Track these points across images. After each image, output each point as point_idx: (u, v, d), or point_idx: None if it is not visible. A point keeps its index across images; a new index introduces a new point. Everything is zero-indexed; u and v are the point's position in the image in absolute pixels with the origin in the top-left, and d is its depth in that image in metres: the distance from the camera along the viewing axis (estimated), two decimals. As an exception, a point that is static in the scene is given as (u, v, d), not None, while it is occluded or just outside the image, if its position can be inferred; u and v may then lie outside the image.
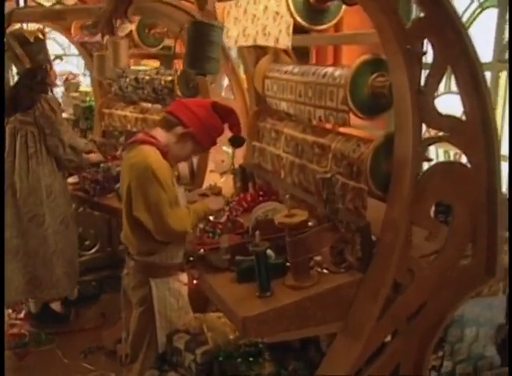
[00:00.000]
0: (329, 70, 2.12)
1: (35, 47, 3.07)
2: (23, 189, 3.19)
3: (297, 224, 1.79)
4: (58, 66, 4.49)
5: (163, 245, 2.11)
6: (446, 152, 2.88)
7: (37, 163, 3.14)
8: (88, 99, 4.72)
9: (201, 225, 2.18)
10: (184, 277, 2.19)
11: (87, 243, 4.34)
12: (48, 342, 3.24)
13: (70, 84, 4.98)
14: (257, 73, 2.65)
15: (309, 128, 2.36)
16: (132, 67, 3.98)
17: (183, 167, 3.41)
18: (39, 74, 3.07)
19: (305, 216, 1.82)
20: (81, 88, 4.92)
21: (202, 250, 2.05)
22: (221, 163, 3.41)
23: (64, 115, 5.02)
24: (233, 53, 3.39)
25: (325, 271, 1.91)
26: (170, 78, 3.50)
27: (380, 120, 2.03)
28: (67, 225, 3.35)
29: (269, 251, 1.94)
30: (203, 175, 3.36)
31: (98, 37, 3.20)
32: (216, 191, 2.63)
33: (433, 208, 2.09)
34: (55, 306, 3.53)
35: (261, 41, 2.01)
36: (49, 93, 3.21)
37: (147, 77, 3.68)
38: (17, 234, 3.18)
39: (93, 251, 4.25)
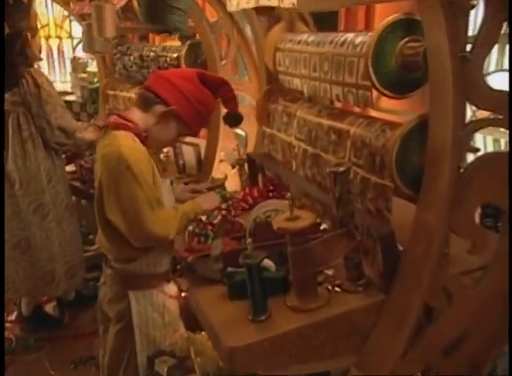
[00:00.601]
0: (350, 36, 1.74)
1: (15, 10, 2.76)
2: (23, 178, 2.93)
3: (301, 229, 1.44)
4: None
5: (143, 252, 1.79)
6: (497, 141, 2.44)
7: (33, 146, 2.87)
8: (95, 80, 4.44)
9: (190, 227, 1.85)
10: (171, 289, 1.86)
11: (91, 237, 4.08)
12: (37, 349, 2.99)
13: (78, 64, 4.70)
14: (267, 44, 2.28)
15: (325, 110, 1.99)
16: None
17: (189, 154, 3.08)
18: (17, 42, 2.76)
19: (311, 219, 1.46)
20: (89, 69, 4.63)
21: (190, 257, 1.72)
22: (233, 151, 3.06)
23: (72, 98, 4.79)
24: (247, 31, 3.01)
25: (337, 289, 1.56)
26: (175, 55, 3.16)
27: (412, 100, 1.65)
28: (71, 212, 3.10)
29: (268, 262, 1.59)
30: (212, 165, 3.04)
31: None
32: (216, 185, 2.29)
33: (478, 211, 1.71)
34: (49, 308, 3.27)
35: (263, 2, 1.66)
36: (33, 66, 2.90)
37: (152, 54, 3.36)
38: (23, 227, 2.93)
39: (96, 246, 3.98)
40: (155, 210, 1.71)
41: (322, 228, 1.76)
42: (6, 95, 2.89)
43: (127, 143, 1.73)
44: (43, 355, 2.96)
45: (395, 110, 2.33)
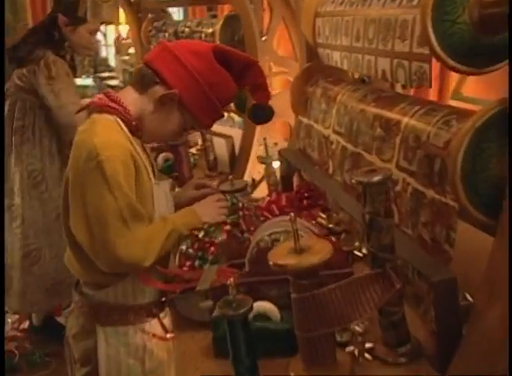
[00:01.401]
0: (405, -13, 1.25)
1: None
2: (49, 179, 2.59)
3: (308, 268, 0.98)
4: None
5: (118, 276, 1.39)
6: None
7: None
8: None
9: (184, 246, 1.43)
10: (155, 327, 1.45)
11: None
12: (42, 367, 2.69)
13: (121, 45, 4.41)
14: (305, 9, 1.82)
15: (373, 94, 1.51)
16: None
17: (221, 148, 2.67)
18: (59, 24, 2.41)
19: (325, 254, 1.00)
20: (131, 50, 4.32)
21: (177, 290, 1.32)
22: (274, 146, 2.60)
23: (114, 82, 4.51)
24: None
25: (367, 356, 1.09)
26: (210, 31, 2.76)
27: (492, 77, 1.14)
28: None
29: (270, 307, 1.15)
30: (247, 161, 2.61)
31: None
32: (235, 189, 1.86)
33: None
34: (61, 319, 2.98)
35: None
36: (61, 56, 2.54)
37: (187, 30, 2.99)
38: (40, 235, 2.63)
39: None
40: (129, 225, 1.30)
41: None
42: (14, 76, 2.58)
43: (105, 133, 1.34)
44: (48, 373, 2.67)
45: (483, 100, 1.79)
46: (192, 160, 2.73)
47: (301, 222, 1.28)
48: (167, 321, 1.46)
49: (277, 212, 1.79)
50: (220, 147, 2.66)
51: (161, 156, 2.66)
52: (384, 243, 1.02)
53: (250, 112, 1.58)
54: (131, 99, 1.45)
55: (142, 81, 1.44)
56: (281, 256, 1.01)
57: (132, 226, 1.31)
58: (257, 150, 2.63)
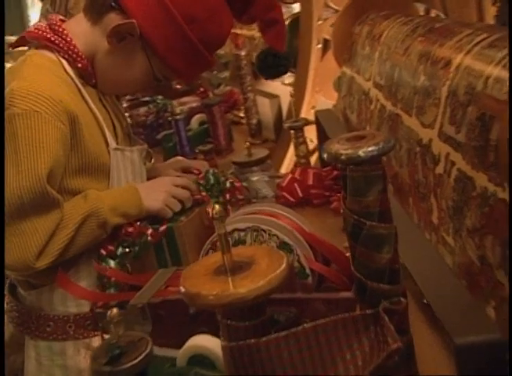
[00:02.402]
0: None
1: None
2: None
3: (236, 302, 0.59)
4: None
5: (52, 274, 1.07)
6: None
7: None
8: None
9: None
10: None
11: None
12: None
13: None
14: None
15: (425, 25, 1.05)
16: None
17: (265, 110, 2.27)
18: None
19: (275, 277, 0.60)
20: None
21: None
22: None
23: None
24: None
25: None
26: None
27: None
28: None
29: (213, 345, 0.78)
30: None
31: None
32: (253, 160, 1.48)
33: None
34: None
35: None
36: None
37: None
38: None
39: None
40: (26, 213, 0.98)
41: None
42: None
43: (33, 76, 1.02)
44: None
45: None
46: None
47: (283, 214, 0.88)
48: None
49: (300, 194, 1.40)
50: (264, 109, 2.26)
51: (195, 117, 2.32)
52: (378, 265, 0.60)
53: (258, 61, 1.19)
54: (80, 30, 1.11)
55: (94, 3, 1.10)
56: (199, 278, 0.63)
57: (31, 216, 0.98)
58: (309, 112, 2.21)
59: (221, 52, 2.86)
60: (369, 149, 0.57)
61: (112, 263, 1.05)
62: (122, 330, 0.65)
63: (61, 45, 1.07)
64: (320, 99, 2.16)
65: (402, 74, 1.03)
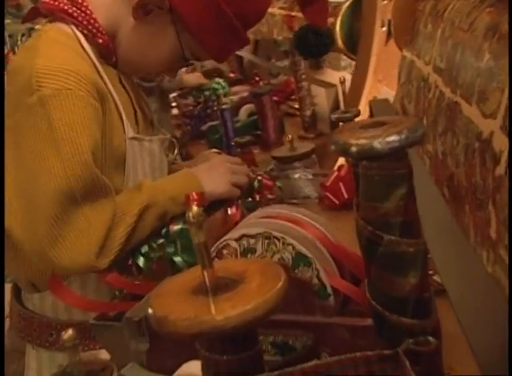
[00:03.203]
0: None
1: None
2: None
3: (214, 332, 0.49)
4: None
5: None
6: None
7: None
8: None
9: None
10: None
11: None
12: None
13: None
14: None
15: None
16: None
17: (321, 101, 2.15)
18: None
19: (264, 302, 0.49)
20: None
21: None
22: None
23: None
24: None
25: None
26: None
27: None
28: None
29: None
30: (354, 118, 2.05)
31: None
32: (295, 154, 1.37)
33: None
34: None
35: None
36: None
37: None
38: None
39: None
40: (81, 207, 0.92)
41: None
42: None
43: (53, 52, 0.97)
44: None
45: None
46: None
47: (305, 219, 0.77)
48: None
49: (345, 195, 1.29)
50: (320, 99, 2.14)
51: (244, 108, 2.23)
52: (399, 293, 0.48)
53: (296, 38, 1.10)
54: (101, 2, 1.05)
55: None
56: (172, 297, 0.53)
57: (85, 209, 0.92)
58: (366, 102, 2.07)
59: (279, 37, 2.77)
60: (389, 139, 0.45)
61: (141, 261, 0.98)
62: (79, 356, 0.56)
63: (80, 18, 1.01)
64: (383, 88, 2.01)
65: (465, 54, 0.89)
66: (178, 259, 0.96)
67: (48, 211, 0.89)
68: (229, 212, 1.04)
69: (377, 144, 0.45)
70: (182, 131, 2.47)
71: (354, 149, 0.45)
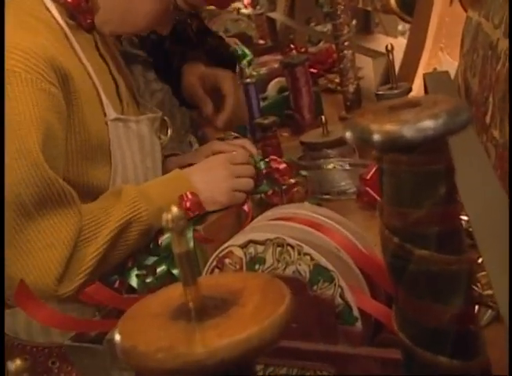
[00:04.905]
0: None
1: None
2: None
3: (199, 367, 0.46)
4: None
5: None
6: None
7: None
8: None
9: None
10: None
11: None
12: None
13: None
14: None
15: None
16: None
17: (367, 74, 2.13)
18: None
19: (260, 330, 0.46)
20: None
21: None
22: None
23: None
24: None
25: None
26: None
27: None
28: None
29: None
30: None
31: None
32: (328, 140, 1.34)
33: None
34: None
35: None
36: None
37: None
38: None
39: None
40: (34, 218, 0.90)
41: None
42: None
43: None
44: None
45: None
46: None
47: (328, 223, 0.73)
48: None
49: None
50: (366, 71, 2.12)
51: (274, 82, 2.21)
52: (434, 324, 0.45)
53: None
54: None
55: None
56: (145, 320, 0.51)
57: (44, 223, 0.91)
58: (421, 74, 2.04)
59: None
60: (422, 125, 0.41)
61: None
62: None
63: None
64: (445, 58, 1.97)
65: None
66: (177, 272, 0.95)
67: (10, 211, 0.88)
68: (245, 208, 1.03)
69: (407, 131, 0.41)
70: (198, 110, 2.45)
71: (377, 137, 0.42)
